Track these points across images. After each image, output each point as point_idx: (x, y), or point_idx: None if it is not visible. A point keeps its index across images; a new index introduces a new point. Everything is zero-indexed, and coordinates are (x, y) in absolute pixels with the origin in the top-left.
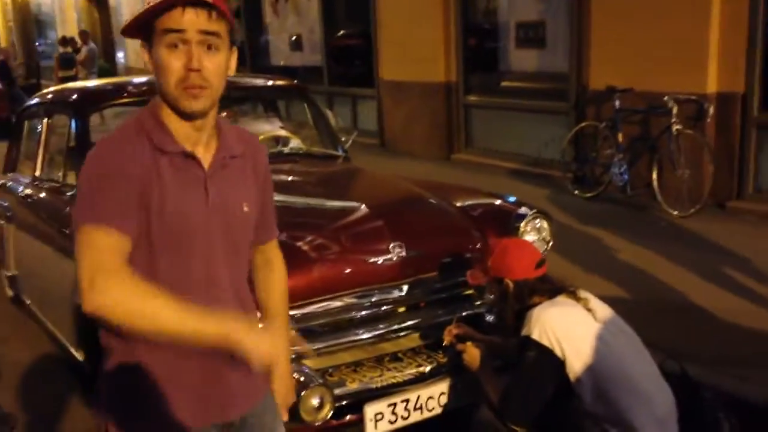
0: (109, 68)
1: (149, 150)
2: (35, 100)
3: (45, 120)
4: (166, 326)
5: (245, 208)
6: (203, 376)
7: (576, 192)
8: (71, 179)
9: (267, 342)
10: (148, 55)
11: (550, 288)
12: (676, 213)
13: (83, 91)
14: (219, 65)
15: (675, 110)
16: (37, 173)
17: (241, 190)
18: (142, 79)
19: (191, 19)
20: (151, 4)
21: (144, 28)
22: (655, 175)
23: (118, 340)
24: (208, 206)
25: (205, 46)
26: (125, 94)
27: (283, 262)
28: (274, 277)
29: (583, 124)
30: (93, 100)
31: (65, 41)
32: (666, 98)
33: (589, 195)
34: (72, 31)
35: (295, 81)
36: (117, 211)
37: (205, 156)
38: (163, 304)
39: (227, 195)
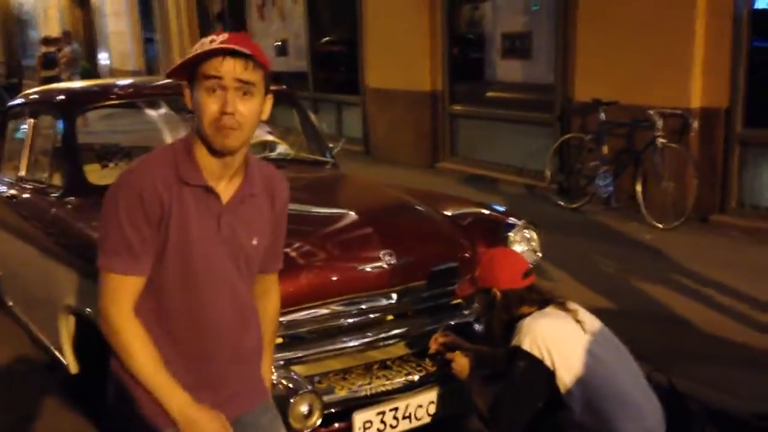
0: (91, 69)
1: (174, 179)
2: (20, 100)
3: (30, 120)
4: (139, 375)
5: (254, 242)
6: (199, 378)
7: (560, 203)
8: (56, 180)
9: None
10: (190, 95)
11: (538, 298)
12: (659, 226)
13: (70, 92)
14: (251, 110)
15: (659, 124)
16: (22, 173)
17: (254, 225)
18: (128, 81)
19: (229, 69)
20: (197, 51)
21: (188, 71)
22: (639, 188)
23: None
24: (219, 237)
25: (241, 92)
26: (112, 96)
27: (279, 294)
28: (270, 307)
29: (568, 136)
30: (80, 101)
31: (47, 41)
32: (651, 112)
33: (573, 206)
34: (54, 30)
35: (284, 86)
36: (135, 254)
37: (227, 190)
38: (145, 359)
39: (239, 228)
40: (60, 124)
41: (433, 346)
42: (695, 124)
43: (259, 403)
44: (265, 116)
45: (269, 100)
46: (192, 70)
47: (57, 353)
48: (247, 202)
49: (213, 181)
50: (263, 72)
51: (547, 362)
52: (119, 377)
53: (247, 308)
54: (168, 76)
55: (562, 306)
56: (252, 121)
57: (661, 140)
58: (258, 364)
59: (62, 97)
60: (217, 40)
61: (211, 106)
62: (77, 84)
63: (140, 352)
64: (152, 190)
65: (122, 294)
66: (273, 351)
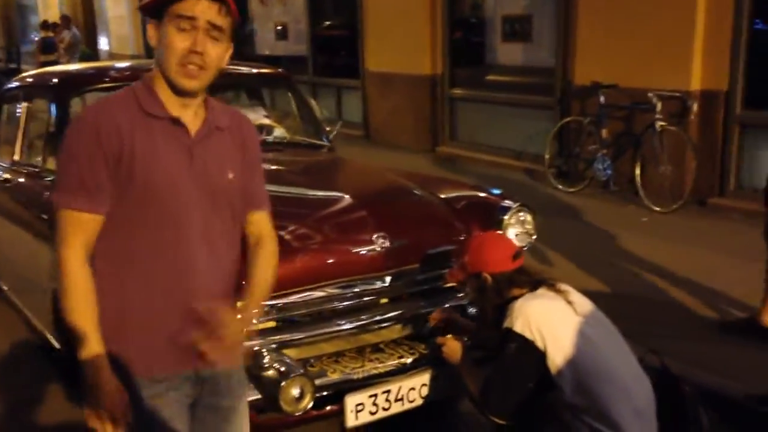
0: (91, 54)
1: (137, 112)
2: (15, 84)
3: (25, 104)
4: (68, 316)
5: (230, 175)
6: (181, 326)
7: (559, 186)
8: (51, 164)
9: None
10: (154, 30)
11: (528, 280)
12: (658, 209)
13: (64, 75)
14: (218, 54)
15: (659, 107)
16: (16, 157)
17: (226, 159)
18: (124, 63)
19: (203, 10)
20: None
21: (159, 9)
22: (638, 171)
23: (107, 281)
24: (192, 170)
25: (209, 34)
26: (106, 79)
27: (274, 239)
28: (262, 254)
29: (567, 119)
30: (74, 84)
31: (46, 25)
32: (650, 95)
33: (572, 190)
34: (54, 16)
35: (280, 69)
36: (90, 191)
37: (193, 124)
38: (77, 304)
39: (211, 162)
40: (54, 108)
41: (433, 321)
42: (695, 107)
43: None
44: (225, 63)
45: (230, 50)
46: (163, 8)
47: (50, 338)
48: (215, 135)
49: (177, 114)
50: (232, 20)
51: (539, 343)
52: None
53: (224, 248)
54: (140, 9)
55: (553, 287)
56: (216, 64)
57: (660, 123)
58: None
59: (56, 80)
60: None
61: (180, 43)
62: (72, 67)
63: (76, 297)
64: (111, 127)
65: (76, 233)
66: (259, 304)
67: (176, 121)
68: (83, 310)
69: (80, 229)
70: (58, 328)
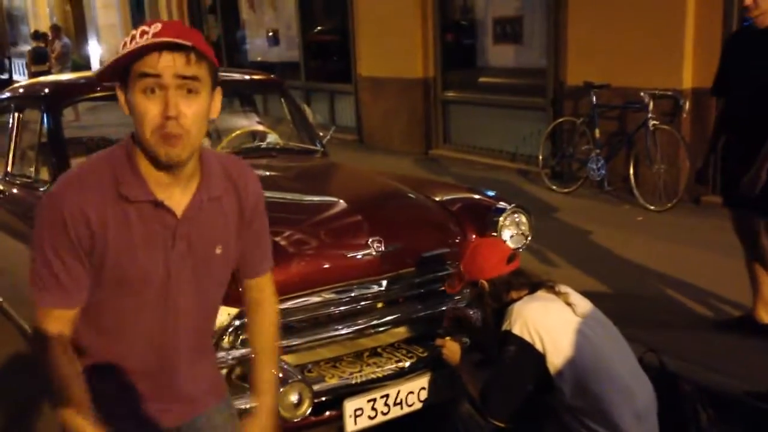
0: (83, 63)
1: (112, 198)
2: (6, 95)
3: (16, 114)
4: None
5: (218, 251)
6: (162, 394)
7: (553, 187)
8: (43, 175)
9: None
10: (124, 98)
11: (526, 282)
12: (652, 208)
13: (55, 85)
14: (198, 111)
15: (651, 106)
16: (9, 169)
17: (216, 232)
18: None
19: (167, 64)
20: (128, 49)
21: (121, 71)
22: (631, 170)
23: (90, 360)
24: (173, 252)
25: (184, 90)
26: (98, 89)
27: (275, 300)
28: (265, 319)
29: (560, 120)
30: (65, 94)
31: (37, 35)
32: (642, 94)
33: (566, 190)
34: (44, 26)
35: (271, 75)
36: (64, 288)
37: (181, 200)
38: (69, 399)
39: (197, 239)
40: (45, 118)
41: (447, 321)
42: (687, 105)
43: (213, 403)
44: (214, 114)
45: (218, 94)
46: (125, 70)
47: None
48: (206, 207)
49: (162, 194)
50: (207, 63)
51: (538, 346)
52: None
53: (206, 321)
54: (97, 79)
55: (552, 289)
56: (199, 123)
57: (653, 122)
58: (214, 369)
59: (47, 90)
60: (150, 31)
61: (150, 110)
62: (63, 77)
63: (67, 391)
64: (78, 215)
65: (52, 327)
66: (276, 362)
67: (158, 204)
68: (77, 402)
69: (57, 326)
70: None
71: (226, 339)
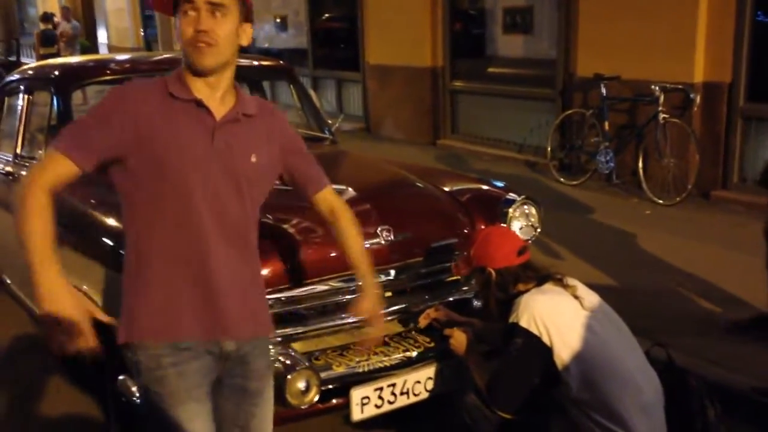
0: (90, 46)
1: (164, 96)
2: (15, 77)
3: (26, 96)
4: (26, 242)
5: (253, 159)
6: (204, 298)
7: (561, 180)
8: None
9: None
10: (177, 26)
11: (534, 275)
12: (661, 202)
13: (65, 68)
14: (225, 30)
15: (661, 99)
16: (18, 150)
17: (251, 144)
18: (125, 56)
19: None
20: None
21: (167, 5)
22: (640, 164)
23: (131, 251)
24: (212, 149)
25: (213, 13)
26: (107, 72)
27: (346, 207)
28: (344, 224)
29: (569, 112)
30: (75, 76)
31: (46, 18)
32: (653, 87)
33: (574, 183)
34: (53, 7)
35: (281, 61)
36: (86, 145)
37: (219, 109)
38: (36, 228)
39: (235, 144)
40: (55, 100)
41: (423, 321)
42: (698, 99)
43: (262, 333)
44: (244, 41)
45: (248, 28)
46: (173, 3)
47: None
48: (242, 121)
49: (203, 97)
50: None
51: (545, 339)
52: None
53: (240, 230)
54: (152, 7)
55: (560, 282)
56: (227, 40)
57: (663, 115)
58: (260, 298)
59: (57, 72)
60: None
61: (186, 28)
62: (72, 59)
63: (34, 220)
64: (133, 106)
65: (48, 171)
66: (371, 266)
67: (200, 104)
68: (41, 232)
69: (54, 171)
70: None
71: None
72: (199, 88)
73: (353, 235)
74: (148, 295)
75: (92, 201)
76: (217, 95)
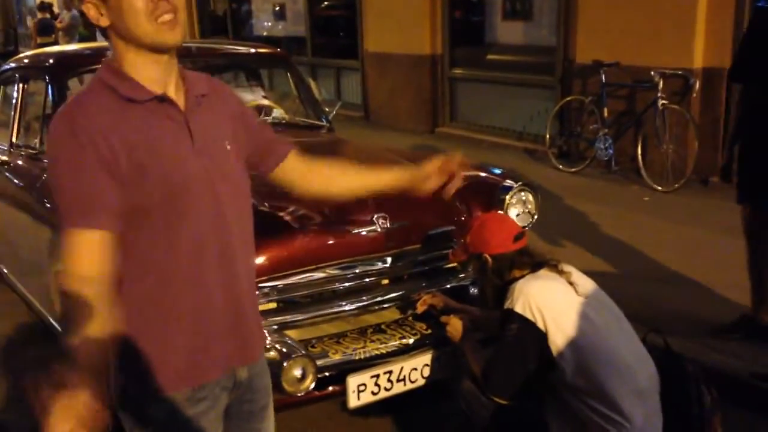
0: (89, 36)
1: (117, 102)
2: (11, 65)
3: (21, 85)
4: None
5: (228, 146)
6: (231, 323)
7: (560, 167)
8: None
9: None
10: (95, 9)
11: (530, 261)
12: (660, 188)
13: (60, 56)
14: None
15: (661, 85)
16: (14, 139)
17: (218, 128)
18: None
19: None
20: None
21: None
22: (639, 150)
23: (146, 299)
24: (194, 149)
25: None
26: (103, 60)
27: (317, 158)
28: (322, 165)
29: (568, 99)
30: (70, 64)
31: (43, 6)
32: (652, 73)
33: (573, 170)
34: None
35: (278, 49)
36: (94, 204)
37: (178, 97)
38: (90, 320)
39: (209, 135)
40: (51, 89)
41: (421, 307)
42: (697, 85)
43: (260, 352)
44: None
45: None
46: None
47: (52, 320)
48: (202, 104)
49: (159, 90)
50: None
51: (540, 324)
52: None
53: (245, 223)
54: None
55: (555, 268)
56: (183, 5)
57: (662, 102)
58: (256, 313)
59: (52, 60)
60: None
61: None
62: (68, 47)
63: (89, 308)
64: (93, 128)
65: (83, 253)
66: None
67: (163, 99)
68: (97, 314)
69: (90, 249)
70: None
71: None
72: (151, 79)
73: (344, 166)
74: (170, 334)
75: None
76: (172, 81)
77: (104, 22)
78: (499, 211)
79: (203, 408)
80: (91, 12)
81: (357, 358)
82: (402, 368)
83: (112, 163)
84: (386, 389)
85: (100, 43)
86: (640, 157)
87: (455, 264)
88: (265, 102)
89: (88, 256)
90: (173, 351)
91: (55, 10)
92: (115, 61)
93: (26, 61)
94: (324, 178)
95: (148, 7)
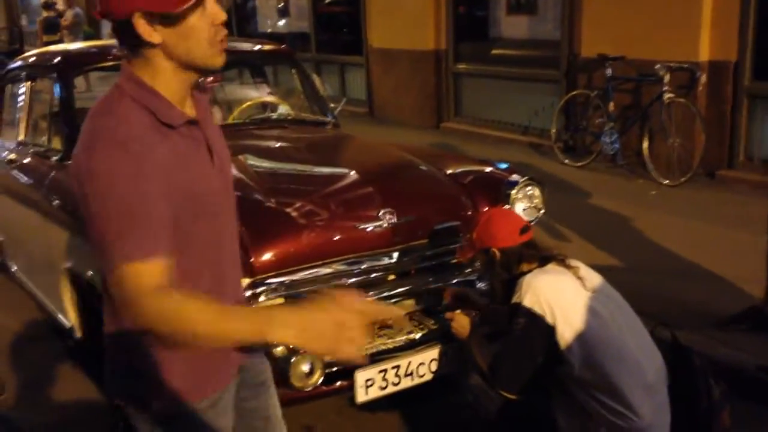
0: (94, 33)
1: (155, 124)
2: (18, 63)
3: (28, 83)
4: (204, 330)
5: (233, 170)
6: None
7: (566, 161)
8: (56, 144)
9: (293, 324)
10: (147, 26)
11: (537, 254)
12: (666, 182)
13: (66, 54)
14: None
15: (667, 78)
16: (21, 138)
17: (221, 147)
18: None
19: None
20: None
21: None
22: (645, 144)
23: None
24: (215, 168)
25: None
26: (109, 57)
27: None
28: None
29: (574, 93)
30: (76, 63)
31: (48, 5)
32: (658, 66)
33: (579, 164)
34: None
35: (283, 45)
36: (156, 234)
37: (192, 113)
38: (200, 307)
39: (222, 152)
40: (58, 87)
41: (447, 298)
42: (703, 78)
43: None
44: None
45: None
46: None
47: (61, 317)
48: (208, 118)
49: (185, 110)
50: None
51: (548, 318)
52: (131, 352)
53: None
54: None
55: (563, 263)
56: None
57: (668, 95)
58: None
59: (59, 59)
60: None
61: (204, 23)
62: (74, 45)
63: (196, 311)
64: (146, 149)
65: (149, 282)
66: None
67: (192, 122)
68: (216, 313)
69: (154, 277)
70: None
71: None
72: (178, 97)
73: None
74: (193, 352)
75: None
76: (187, 98)
77: (156, 39)
78: (505, 206)
79: (212, 415)
80: (142, 28)
81: (365, 353)
82: (410, 363)
83: (163, 185)
84: (394, 384)
85: (105, 41)
86: (646, 151)
87: (464, 260)
88: (271, 99)
89: (161, 283)
90: (197, 359)
91: (59, 7)
92: (144, 75)
93: (33, 59)
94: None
95: (211, 33)
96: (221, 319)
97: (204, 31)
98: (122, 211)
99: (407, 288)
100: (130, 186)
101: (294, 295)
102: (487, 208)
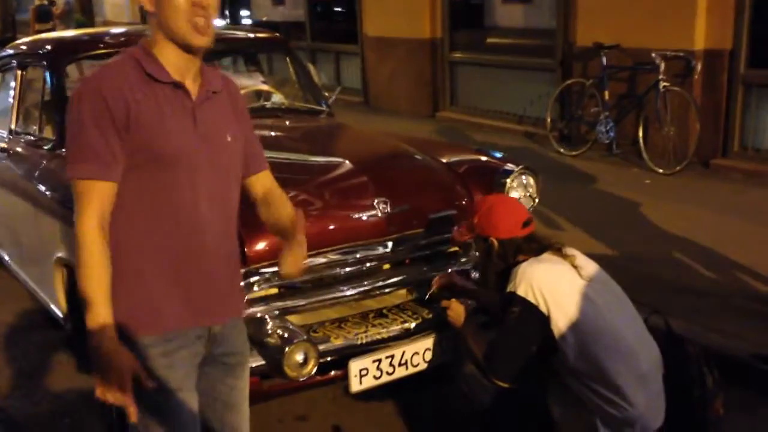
0: (86, 22)
1: (140, 77)
2: (8, 52)
3: (19, 72)
4: (83, 285)
5: (229, 138)
6: (194, 283)
7: (561, 150)
8: (47, 133)
9: (92, 335)
10: None
11: (536, 247)
12: (661, 171)
13: (58, 42)
14: (216, 2)
15: (662, 67)
16: (13, 127)
17: (224, 122)
18: (119, 30)
19: None
20: None
21: None
22: (641, 133)
23: (124, 246)
24: (196, 133)
25: None
26: (101, 45)
27: (281, 190)
28: (276, 197)
29: (569, 82)
30: (68, 51)
31: None
32: (653, 55)
33: (574, 153)
34: None
35: (277, 34)
36: (103, 159)
37: (192, 88)
38: (93, 272)
39: (212, 124)
40: (49, 75)
41: (435, 287)
42: (698, 67)
43: (237, 313)
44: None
45: None
46: None
47: (54, 307)
48: (212, 98)
49: (179, 78)
50: None
51: (542, 307)
52: None
53: (227, 209)
54: None
55: (558, 252)
56: (216, 10)
57: (663, 84)
58: (238, 275)
59: (50, 47)
60: None
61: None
62: (66, 33)
63: (91, 266)
64: (116, 93)
65: (92, 202)
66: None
67: (178, 86)
68: (97, 279)
69: (96, 198)
70: (71, 303)
71: None
72: (175, 66)
73: (285, 205)
74: (137, 288)
75: None
76: (191, 74)
77: (150, 6)
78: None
79: (172, 347)
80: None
81: (359, 342)
82: (404, 352)
83: (121, 120)
84: (388, 373)
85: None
86: (641, 139)
87: (457, 248)
88: (264, 87)
89: (100, 205)
90: (140, 299)
91: None
92: (148, 43)
93: (24, 47)
94: (269, 207)
95: (188, 10)
96: (87, 274)
97: (181, 4)
98: (79, 139)
99: (402, 277)
100: (93, 124)
101: (288, 285)
102: (487, 195)
